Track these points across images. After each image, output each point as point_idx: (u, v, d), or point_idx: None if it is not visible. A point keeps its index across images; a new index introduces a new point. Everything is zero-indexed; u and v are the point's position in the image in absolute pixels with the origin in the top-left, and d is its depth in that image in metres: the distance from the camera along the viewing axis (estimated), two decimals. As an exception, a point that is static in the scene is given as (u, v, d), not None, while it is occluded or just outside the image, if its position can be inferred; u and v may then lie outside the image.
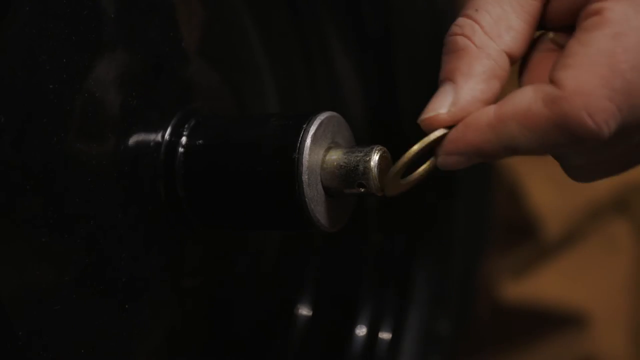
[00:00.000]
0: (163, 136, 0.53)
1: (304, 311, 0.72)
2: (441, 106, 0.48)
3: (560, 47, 0.50)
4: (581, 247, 0.96)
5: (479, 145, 0.48)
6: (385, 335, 0.76)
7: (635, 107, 0.45)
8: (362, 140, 0.54)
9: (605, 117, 0.44)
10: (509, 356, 0.98)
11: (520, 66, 0.52)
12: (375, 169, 0.50)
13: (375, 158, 0.50)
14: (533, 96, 0.46)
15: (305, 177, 0.49)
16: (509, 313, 0.95)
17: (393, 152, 0.51)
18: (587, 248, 0.96)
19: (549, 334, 0.96)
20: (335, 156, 0.51)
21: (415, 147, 0.49)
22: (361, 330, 0.75)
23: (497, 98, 0.49)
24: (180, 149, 0.53)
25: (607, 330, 0.95)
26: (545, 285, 0.95)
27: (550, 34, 0.51)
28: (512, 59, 0.49)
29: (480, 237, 0.84)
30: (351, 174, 0.50)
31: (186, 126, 0.53)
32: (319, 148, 0.50)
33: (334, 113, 0.52)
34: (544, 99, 0.45)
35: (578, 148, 0.47)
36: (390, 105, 0.75)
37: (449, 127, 0.49)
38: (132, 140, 0.51)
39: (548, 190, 0.93)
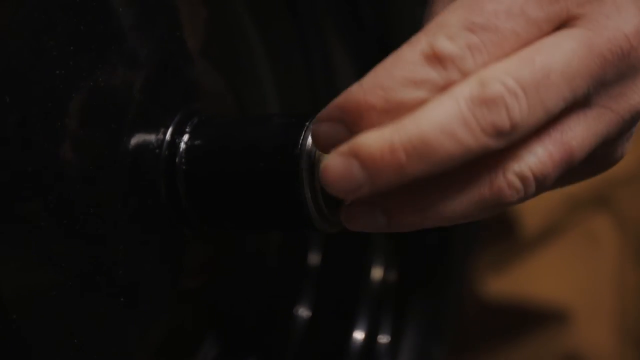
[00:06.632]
0: (165, 133, 0.53)
1: (304, 312, 0.72)
2: None
3: None
4: (562, 242, 0.95)
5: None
6: (384, 339, 0.76)
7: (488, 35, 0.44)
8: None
9: (466, 42, 0.43)
10: (490, 353, 0.97)
11: None
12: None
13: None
14: (409, 49, 0.44)
15: (306, 175, 0.49)
16: (490, 309, 0.94)
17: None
18: (567, 243, 0.96)
19: (530, 330, 0.95)
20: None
21: None
22: (360, 333, 0.75)
23: None
24: (182, 146, 0.53)
25: (590, 325, 0.95)
26: (526, 281, 0.94)
27: None
28: None
29: (475, 240, 0.84)
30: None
31: (189, 124, 0.53)
32: None
33: (335, 112, 0.52)
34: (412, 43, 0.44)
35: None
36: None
37: None
38: (135, 135, 0.51)
39: None
